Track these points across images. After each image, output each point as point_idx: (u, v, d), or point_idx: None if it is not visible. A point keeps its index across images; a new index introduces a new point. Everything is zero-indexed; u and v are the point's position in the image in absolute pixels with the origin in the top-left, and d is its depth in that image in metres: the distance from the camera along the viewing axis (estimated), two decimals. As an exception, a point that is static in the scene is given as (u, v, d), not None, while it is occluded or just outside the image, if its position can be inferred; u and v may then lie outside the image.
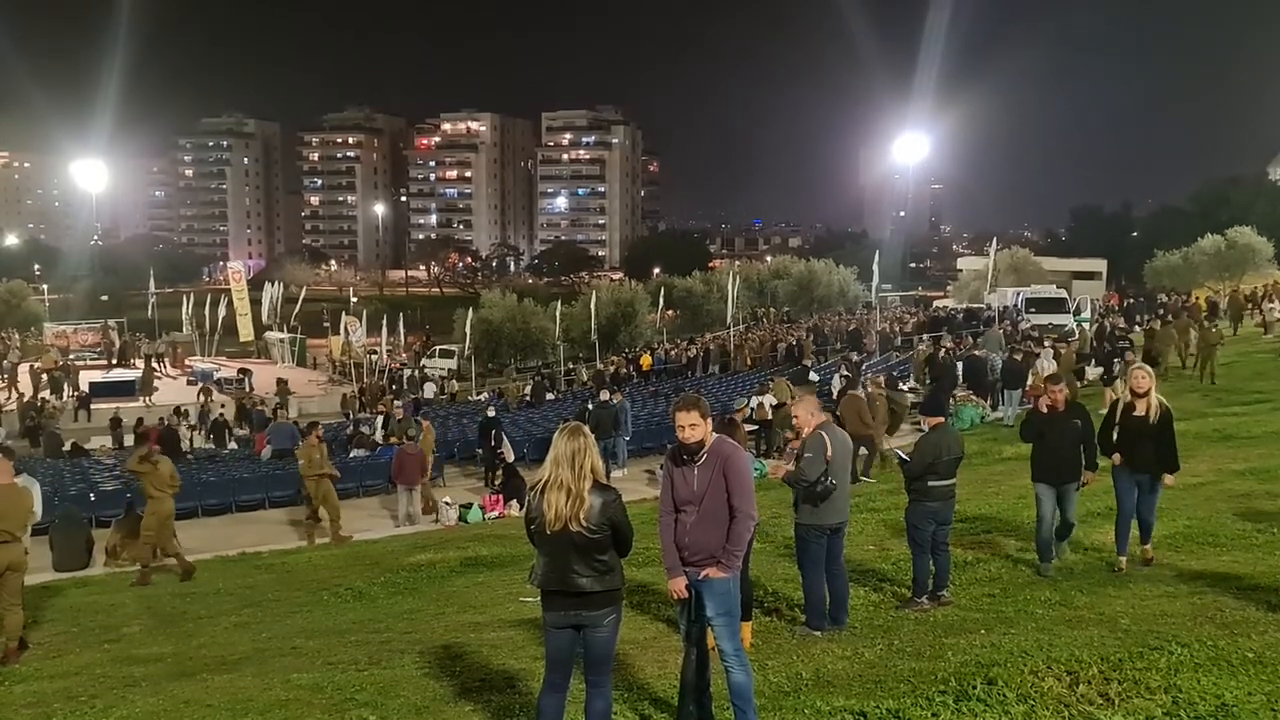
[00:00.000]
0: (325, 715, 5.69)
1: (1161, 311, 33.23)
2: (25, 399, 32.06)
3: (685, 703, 5.10)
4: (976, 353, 23.31)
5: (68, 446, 25.70)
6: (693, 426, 4.89)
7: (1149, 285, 53.81)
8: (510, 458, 17.82)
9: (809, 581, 6.75)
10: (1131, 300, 45.87)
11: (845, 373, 23.09)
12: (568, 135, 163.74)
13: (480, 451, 19.02)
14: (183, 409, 28.78)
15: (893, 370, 26.14)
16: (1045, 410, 7.97)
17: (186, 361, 43.92)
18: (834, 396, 21.03)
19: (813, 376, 21.99)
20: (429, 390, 38.11)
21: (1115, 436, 7.86)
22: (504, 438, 17.85)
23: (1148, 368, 8.13)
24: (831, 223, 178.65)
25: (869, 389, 17.20)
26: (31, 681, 7.10)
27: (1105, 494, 11.82)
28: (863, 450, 14.83)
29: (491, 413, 19.19)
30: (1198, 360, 20.92)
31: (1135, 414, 7.76)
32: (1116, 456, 7.85)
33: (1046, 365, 21.07)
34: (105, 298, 76.88)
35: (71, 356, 41.53)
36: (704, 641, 5.04)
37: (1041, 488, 7.97)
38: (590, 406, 19.76)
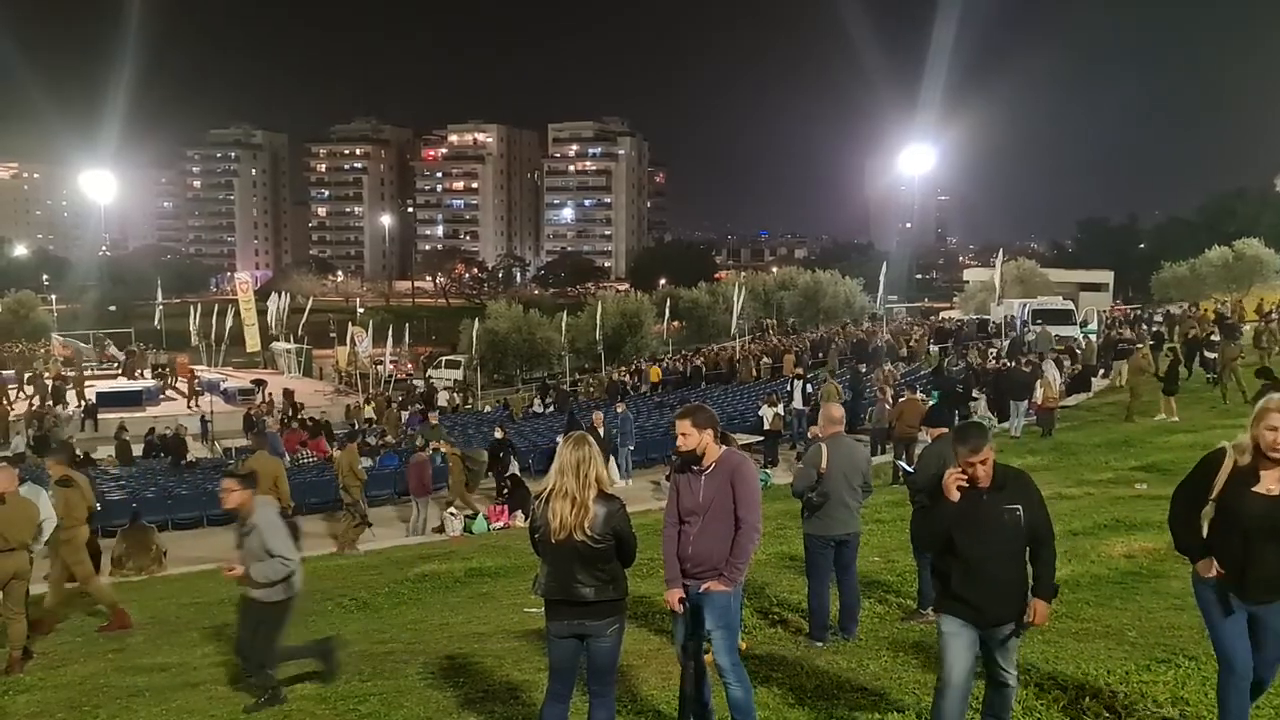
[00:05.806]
0: (328, 726, 5.68)
1: (1225, 325, 30.94)
2: (32, 408, 32.18)
3: (685, 715, 5.08)
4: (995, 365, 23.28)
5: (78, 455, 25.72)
6: (683, 435, 4.91)
7: (1155, 297, 53.75)
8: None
9: (811, 591, 6.79)
10: (1136, 312, 45.70)
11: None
12: (574, 146, 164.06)
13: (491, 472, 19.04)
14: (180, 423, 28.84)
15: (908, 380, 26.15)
16: (958, 494, 4.36)
17: (195, 371, 44.04)
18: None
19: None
20: (441, 399, 38.19)
21: (1208, 526, 4.34)
22: (512, 459, 17.85)
23: None
24: (838, 234, 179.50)
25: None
26: (35, 691, 7.09)
27: (1113, 503, 11.81)
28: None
29: (499, 434, 19.14)
30: (1220, 376, 21.01)
31: (1257, 491, 4.16)
32: (1207, 564, 4.31)
33: (1053, 375, 21.00)
34: (113, 308, 77.34)
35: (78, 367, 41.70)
36: (700, 655, 5.02)
37: (951, 626, 4.43)
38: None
